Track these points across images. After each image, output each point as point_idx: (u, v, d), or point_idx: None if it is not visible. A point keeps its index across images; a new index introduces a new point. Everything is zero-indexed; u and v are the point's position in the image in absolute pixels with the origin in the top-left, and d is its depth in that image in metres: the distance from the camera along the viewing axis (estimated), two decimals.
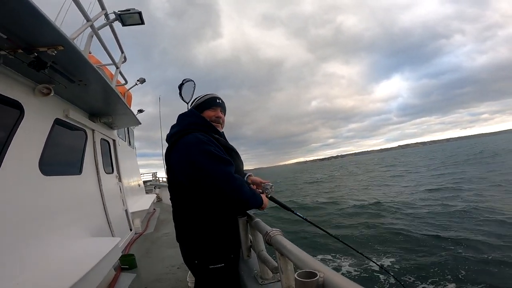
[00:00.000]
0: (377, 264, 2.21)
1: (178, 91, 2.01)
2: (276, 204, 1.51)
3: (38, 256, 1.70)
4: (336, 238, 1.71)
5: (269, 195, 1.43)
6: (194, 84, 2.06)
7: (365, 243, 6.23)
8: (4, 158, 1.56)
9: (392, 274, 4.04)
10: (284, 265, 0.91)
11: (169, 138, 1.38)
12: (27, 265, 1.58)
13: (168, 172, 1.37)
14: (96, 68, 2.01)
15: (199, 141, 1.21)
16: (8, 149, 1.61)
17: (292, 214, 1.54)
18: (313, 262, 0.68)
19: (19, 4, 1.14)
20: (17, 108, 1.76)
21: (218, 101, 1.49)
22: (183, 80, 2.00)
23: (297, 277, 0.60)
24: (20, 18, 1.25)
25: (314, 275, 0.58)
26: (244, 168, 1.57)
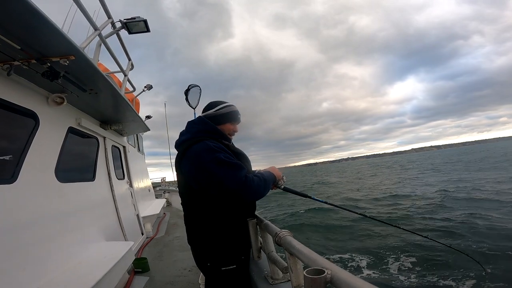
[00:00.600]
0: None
1: (185, 96, 2.04)
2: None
3: (58, 259, 1.76)
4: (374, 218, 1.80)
5: (282, 187, 1.46)
6: (200, 89, 2.08)
7: None
8: (22, 167, 1.62)
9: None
10: (294, 265, 0.95)
11: (178, 146, 1.40)
12: (48, 268, 1.64)
13: (179, 178, 1.40)
14: (106, 76, 2.06)
15: (210, 149, 1.23)
16: (26, 158, 1.67)
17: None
18: (321, 260, 0.72)
19: (33, 16, 1.20)
20: (33, 118, 1.83)
21: (239, 116, 1.51)
22: (189, 86, 2.03)
23: (306, 274, 0.64)
24: (34, 30, 1.30)
25: (322, 272, 0.62)
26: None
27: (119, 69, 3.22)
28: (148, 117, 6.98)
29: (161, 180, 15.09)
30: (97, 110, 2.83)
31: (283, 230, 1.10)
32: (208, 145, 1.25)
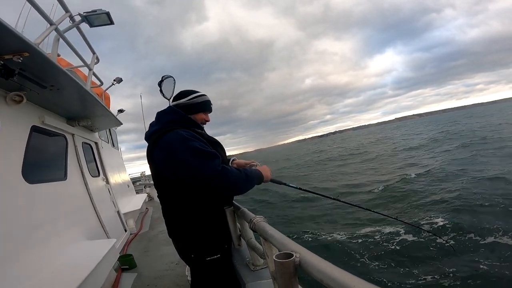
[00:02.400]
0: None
1: (159, 88, 2.00)
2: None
3: (38, 264, 1.71)
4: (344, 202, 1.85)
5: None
6: (174, 80, 2.05)
7: None
8: None
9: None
10: (269, 250, 0.95)
11: (148, 137, 1.35)
12: (29, 274, 1.59)
13: (152, 170, 1.36)
14: (67, 72, 1.96)
15: (182, 138, 1.19)
16: None
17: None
18: (290, 244, 0.72)
19: None
20: None
21: (211, 106, 1.50)
22: (162, 77, 1.99)
23: (275, 259, 0.64)
24: None
25: (291, 255, 0.63)
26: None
27: (83, 64, 3.06)
28: (120, 111, 6.66)
29: (141, 174, 14.64)
30: (61, 107, 2.69)
31: (257, 216, 1.11)
32: (180, 134, 1.21)
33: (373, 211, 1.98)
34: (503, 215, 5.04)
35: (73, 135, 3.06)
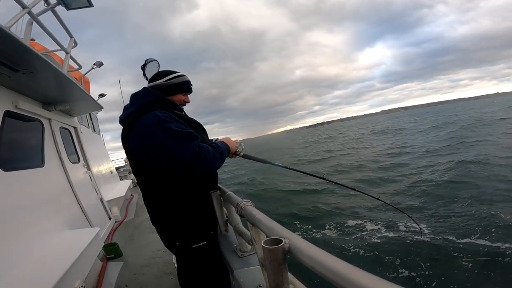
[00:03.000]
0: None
1: (142, 72, 1.91)
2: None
3: (17, 256, 1.65)
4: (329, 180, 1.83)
5: (241, 154, 1.45)
6: (158, 64, 1.95)
7: None
8: None
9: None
10: (257, 236, 0.91)
11: (122, 120, 1.27)
12: (8, 267, 1.54)
13: (128, 155, 1.29)
14: (41, 55, 1.85)
15: (159, 120, 1.13)
16: None
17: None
18: (279, 229, 0.69)
19: None
20: None
21: (191, 86, 1.43)
22: (146, 60, 1.88)
23: (263, 245, 0.61)
24: None
25: (280, 241, 0.60)
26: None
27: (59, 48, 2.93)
28: (101, 95, 6.37)
29: (125, 160, 14.26)
30: (37, 91, 2.54)
31: (244, 200, 1.06)
32: (157, 115, 1.14)
33: (357, 191, 2.01)
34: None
35: (49, 120, 2.91)
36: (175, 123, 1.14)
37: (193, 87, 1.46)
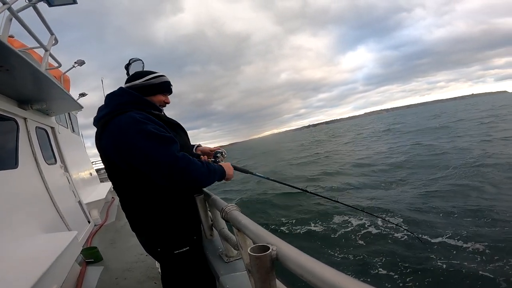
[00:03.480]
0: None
1: (126, 71, 1.87)
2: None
3: None
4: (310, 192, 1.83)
5: (221, 162, 1.39)
6: (143, 63, 1.90)
7: None
8: None
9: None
10: (243, 241, 0.88)
11: (97, 121, 1.19)
12: None
13: (102, 158, 1.21)
14: (19, 52, 1.79)
15: (135, 121, 1.05)
16: None
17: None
18: (266, 236, 0.67)
19: None
20: None
21: (171, 87, 1.38)
22: (129, 60, 1.84)
23: (250, 253, 0.59)
24: None
25: (267, 248, 0.58)
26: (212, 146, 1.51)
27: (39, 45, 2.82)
28: (82, 94, 6.13)
29: None
30: (12, 89, 2.43)
31: (230, 204, 1.03)
32: (132, 116, 1.07)
33: (340, 202, 2.00)
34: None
35: (25, 119, 2.78)
36: (152, 124, 1.08)
37: (178, 91, 1.45)
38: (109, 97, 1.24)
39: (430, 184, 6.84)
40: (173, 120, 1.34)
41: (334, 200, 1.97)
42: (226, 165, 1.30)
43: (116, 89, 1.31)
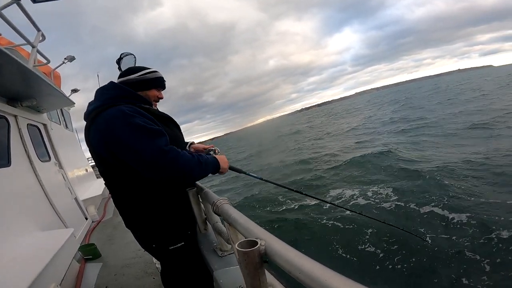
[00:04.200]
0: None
1: (117, 66, 1.83)
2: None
3: None
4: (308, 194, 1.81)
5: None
6: (135, 57, 1.86)
7: None
8: None
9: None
10: (234, 235, 0.87)
11: (86, 116, 1.18)
12: None
13: (92, 154, 1.19)
14: (5, 50, 1.76)
15: (123, 114, 1.04)
16: None
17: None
18: (256, 230, 0.65)
19: None
20: None
21: (165, 82, 1.39)
22: (121, 54, 1.79)
23: (238, 248, 0.58)
24: None
25: (255, 243, 0.57)
26: (207, 139, 1.53)
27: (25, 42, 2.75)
28: (74, 90, 6.01)
29: None
30: (1, 86, 2.38)
31: (221, 198, 1.02)
32: (121, 109, 1.06)
33: (337, 205, 2.01)
34: None
35: (15, 116, 2.74)
36: (141, 117, 1.06)
37: (168, 86, 1.42)
38: (100, 92, 1.23)
39: None
40: (165, 114, 1.33)
41: (329, 203, 1.98)
42: (221, 158, 1.28)
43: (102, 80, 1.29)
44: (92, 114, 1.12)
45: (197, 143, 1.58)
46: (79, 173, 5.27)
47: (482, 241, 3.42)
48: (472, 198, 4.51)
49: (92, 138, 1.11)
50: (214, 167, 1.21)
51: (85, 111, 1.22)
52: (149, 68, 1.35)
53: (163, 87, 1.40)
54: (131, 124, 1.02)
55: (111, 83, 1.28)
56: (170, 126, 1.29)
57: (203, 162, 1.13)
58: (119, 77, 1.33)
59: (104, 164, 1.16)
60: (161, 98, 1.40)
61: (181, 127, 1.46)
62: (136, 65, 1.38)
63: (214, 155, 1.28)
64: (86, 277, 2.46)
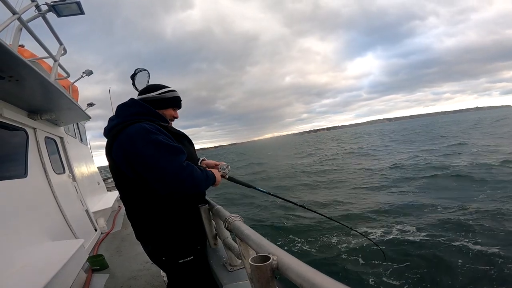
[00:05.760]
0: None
1: (132, 81, 1.91)
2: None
3: None
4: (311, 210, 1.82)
5: (227, 176, 1.42)
6: (148, 73, 1.96)
7: None
8: None
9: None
10: (246, 251, 0.89)
11: (107, 132, 1.23)
12: None
13: (112, 168, 1.24)
14: (28, 62, 1.83)
15: (145, 131, 1.10)
16: None
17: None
18: (267, 246, 0.68)
19: None
20: None
21: (181, 102, 1.45)
22: (135, 70, 1.89)
23: (251, 262, 0.60)
24: None
25: (268, 258, 0.59)
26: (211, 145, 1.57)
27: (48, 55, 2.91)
28: (90, 104, 6.28)
29: None
30: (22, 99, 2.49)
31: (233, 214, 1.05)
32: (143, 126, 1.11)
33: (338, 222, 2.02)
34: None
35: (35, 129, 2.85)
36: (162, 135, 1.12)
37: (183, 88, 1.50)
38: (120, 108, 1.29)
39: None
40: (180, 131, 1.38)
41: (329, 218, 1.97)
42: (215, 172, 1.36)
43: (119, 83, 1.36)
44: (114, 130, 1.18)
45: (199, 148, 1.60)
46: (90, 185, 5.37)
47: None
48: None
49: (115, 153, 1.15)
50: (213, 181, 1.29)
51: (105, 126, 1.28)
52: (168, 87, 1.41)
53: (179, 107, 1.46)
54: (154, 140, 1.07)
55: (132, 100, 1.33)
56: (185, 144, 1.32)
57: (209, 177, 1.23)
58: (139, 94, 1.40)
59: (122, 178, 1.20)
60: (176, 117, 1.46)
61: (188, 131, 1.49)
62: (156, 83, 1.44)
63: (211, 170, 1.34)
64: (92, 287, 2.44)
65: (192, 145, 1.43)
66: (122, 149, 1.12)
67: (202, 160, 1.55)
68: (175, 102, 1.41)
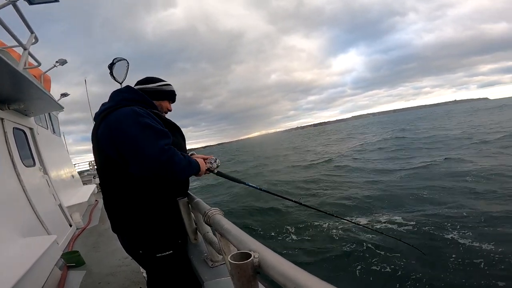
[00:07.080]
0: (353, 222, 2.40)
1: (109, 71, 1.85)
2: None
3: None
4: (304, 204, 1.80)
5: (215, 171, 1.38)
6: (128, 63, 1.90)
7: None
8: None
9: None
10: (226, 247, 0.85)
11: (98, 115, 1.21)
12: None
13: (95, 151, 1.21)
14: None
15: (135, 113, 1.09)
16: None
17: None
18: (249, 242, 0.64)
19: None
20: None
21: (175, 96, 1.48)
22: (113, 60, 1.83)
23: (230, 260, 0.56)
24: None
25: (249, 256, 0.56)
26: (206, 145, 1.56)
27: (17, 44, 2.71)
28: (64, 94, 5.93)
29: (90, 163, 13.31)
30: None
31: (212, 208, 1.00)
32: (134, 109, 1.11)
33: (335, 216, 2.00)
34: None
35: (2, 119, 2.69)
36: (152, 119, 1.11)
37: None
38: (114, 93, 1.29)
39: None
40: (172, 121, 1.35)
41: (325, 212, 1.91)
42: (201, 162, 1.30)
43: (100, 84, 1.33)
44: (104, 113, 1.15)
45: (192, 149, 1.61)
46: (64, 179, 5.14)
47: None
48: None
49: (101, 132, 1.13)
50: (197, 169, 1.23)
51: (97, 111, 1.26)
52: (165, 81, 1.43)
53: (174, 101, 1.49)
54: (140, 122, 1.07)
55: (127, 86, 1.33)
56: (176, 135, 1.29)
57: (192, 164, 1.18)
58: (136, 84, 1.39)
59: (105, 161, 1.16)
60: (170, 110, 1.48)
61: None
62: (153, 76, 1.44)
63: (195, 159, 1.29)
64: (68, 285, 2.38)
65: (184, 138, 1.40)
66: (108, 129, 1.10)
67: (191, 154, 1.50)
68: (171, 95, 1.45)
